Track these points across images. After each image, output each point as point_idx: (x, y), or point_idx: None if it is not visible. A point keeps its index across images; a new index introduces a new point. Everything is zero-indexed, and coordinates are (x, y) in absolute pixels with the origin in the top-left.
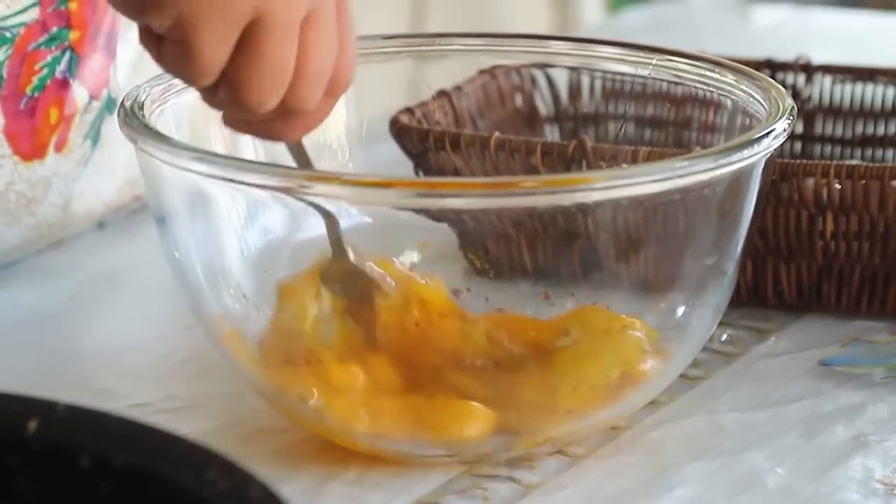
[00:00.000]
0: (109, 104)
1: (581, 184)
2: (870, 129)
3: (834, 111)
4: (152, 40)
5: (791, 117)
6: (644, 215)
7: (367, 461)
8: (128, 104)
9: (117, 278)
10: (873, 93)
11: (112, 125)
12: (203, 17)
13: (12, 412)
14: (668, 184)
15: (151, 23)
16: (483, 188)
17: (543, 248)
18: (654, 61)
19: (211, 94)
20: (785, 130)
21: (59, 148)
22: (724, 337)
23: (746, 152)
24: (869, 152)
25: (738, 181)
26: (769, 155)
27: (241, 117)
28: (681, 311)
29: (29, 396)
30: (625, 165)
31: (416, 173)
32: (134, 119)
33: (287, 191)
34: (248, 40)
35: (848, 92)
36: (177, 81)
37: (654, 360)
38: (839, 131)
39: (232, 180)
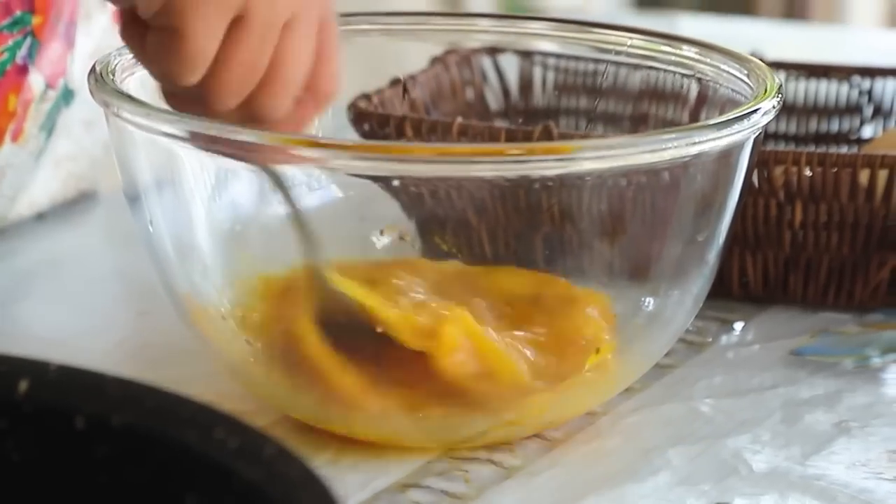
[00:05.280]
0: (66, 95)
1: (569, 152)
2: (823, 127)
3: (787, 108)
4: (136, 32)
5: (780, 94)
6: (626, 195)
7: (341, 443)
8: (99, 69)
9: (62, 266)
10: (827, 90)
11: (67, 118)
12: (195, 1)
13: (0, 372)
14: (656, 156)
15: (138, 5)
16: (468, 154)
17: (521, 231)
18: (628, 42)
19: (171, 91)
20: (774, 108)
21: (15, 137)
22: (691, 327)
23: (736, 127)
24: (822, 149)
25: (725, 160)
26: (758, 133)
27: (198, 112)
28: (661, 296)
29: (18, 356)
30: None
31: None
32: (105, 84)
33: (252, 154)
34: (228, 36)
35: (802, 89)
36: None
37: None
38: (792, 128)
39: (196, 141)
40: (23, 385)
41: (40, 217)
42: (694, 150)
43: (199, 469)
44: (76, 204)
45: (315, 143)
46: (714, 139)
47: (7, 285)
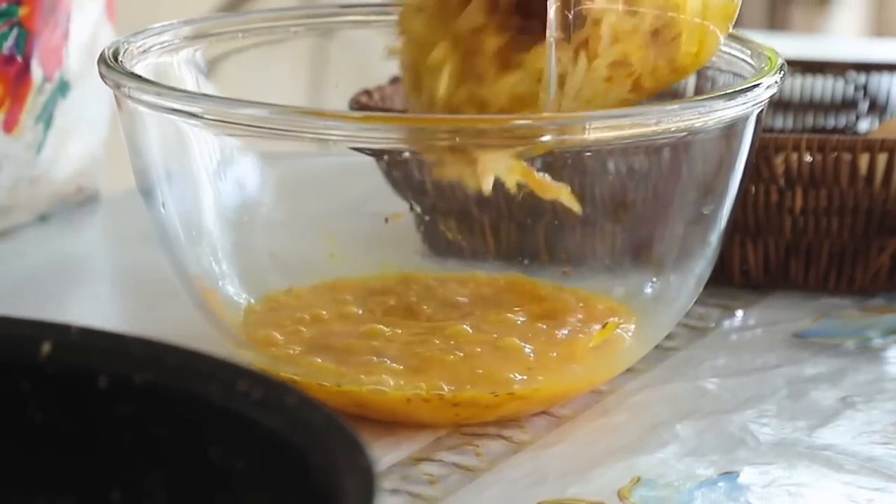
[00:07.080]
0: (62, 86)
1: (576, 119)
2: (819, 122)
3: (783, 104)
4: None
5: (783, 71)
6: (629, 174)
7: (354, 423)
8: (108, 53)
9: (67, 265)
10: (823, 86)
11: (64, 111)
12: None
13: (23, 335)
14: (661, 126)
15: None
16: (475, 124)
17: (522, 217)
18: None
19: None
20: (777, 83)
21: (8, 128)
22: (693, 313)
23: (740, 99)
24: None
25: (728, 138)
26: (760, 111)
27: None
28: (664, 276)
29: (40, 320)
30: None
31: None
32: (116, 66)
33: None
34: None
35: (798, 85)
36: (150, 41)
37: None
38: (789, 124)
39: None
40: (45, 347)
41: (43, 218)
42: (698, 122)
43: (222, 421)
44: (79, 204)
45: (321, 114)
46: (718, 110)
47: (13, 285)
